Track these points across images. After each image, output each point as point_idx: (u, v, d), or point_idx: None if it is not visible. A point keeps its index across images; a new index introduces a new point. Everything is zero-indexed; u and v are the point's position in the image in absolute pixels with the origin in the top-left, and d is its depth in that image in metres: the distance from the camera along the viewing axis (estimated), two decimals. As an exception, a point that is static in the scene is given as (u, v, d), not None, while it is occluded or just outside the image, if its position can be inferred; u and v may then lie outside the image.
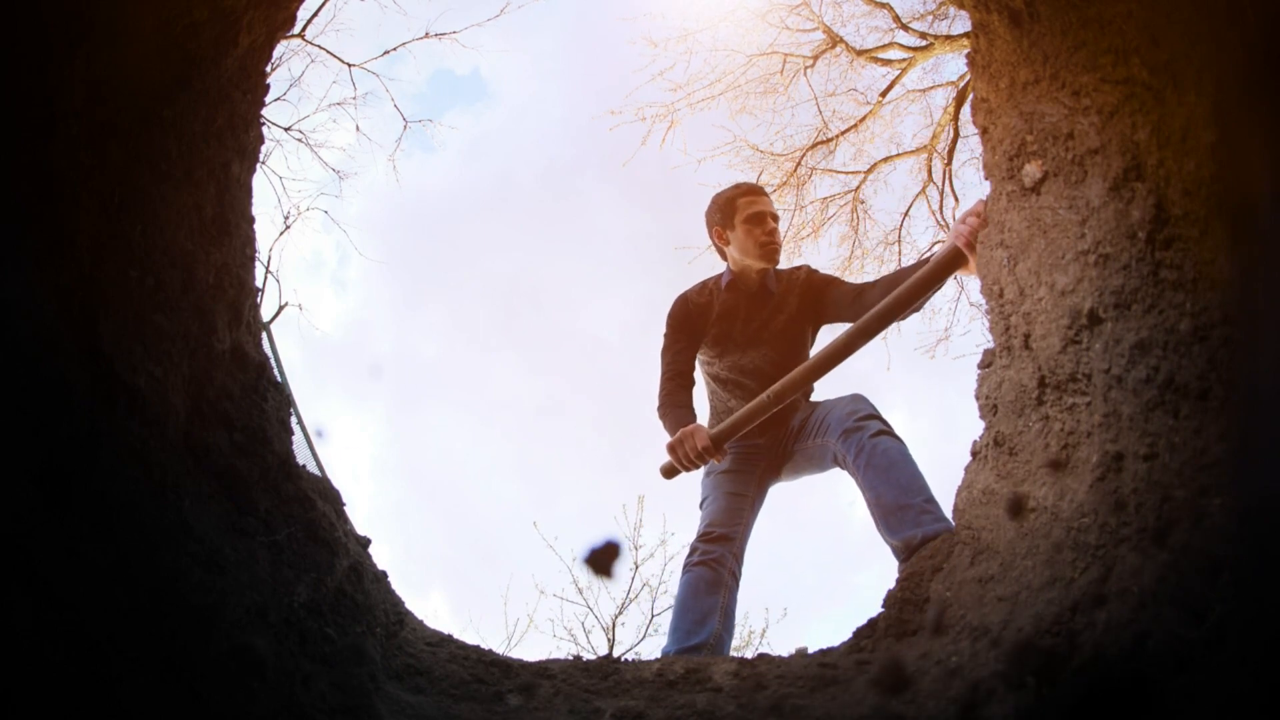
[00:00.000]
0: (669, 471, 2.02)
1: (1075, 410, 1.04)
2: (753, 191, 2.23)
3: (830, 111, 7.30)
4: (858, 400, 2.01)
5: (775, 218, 2.21)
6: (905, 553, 1.62)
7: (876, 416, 1.94)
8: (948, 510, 1.51)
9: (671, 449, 1.96)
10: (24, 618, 0.70)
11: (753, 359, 2.21)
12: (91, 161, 0.97)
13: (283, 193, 9.50)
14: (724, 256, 2.30)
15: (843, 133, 7.34)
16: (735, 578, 2.00)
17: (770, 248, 2.15)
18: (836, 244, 7.72)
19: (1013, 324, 1.20)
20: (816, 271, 2.28)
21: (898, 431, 1.90)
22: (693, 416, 2.07)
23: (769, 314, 2.21)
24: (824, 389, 2.32)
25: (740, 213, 2.17)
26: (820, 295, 2.20)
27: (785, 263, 2.29)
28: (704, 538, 2.03)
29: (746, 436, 2.06)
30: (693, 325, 2.22)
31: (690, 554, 2.03)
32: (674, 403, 2.10)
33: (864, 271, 7.72)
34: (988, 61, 1.25)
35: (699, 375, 2.33)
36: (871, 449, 1.84)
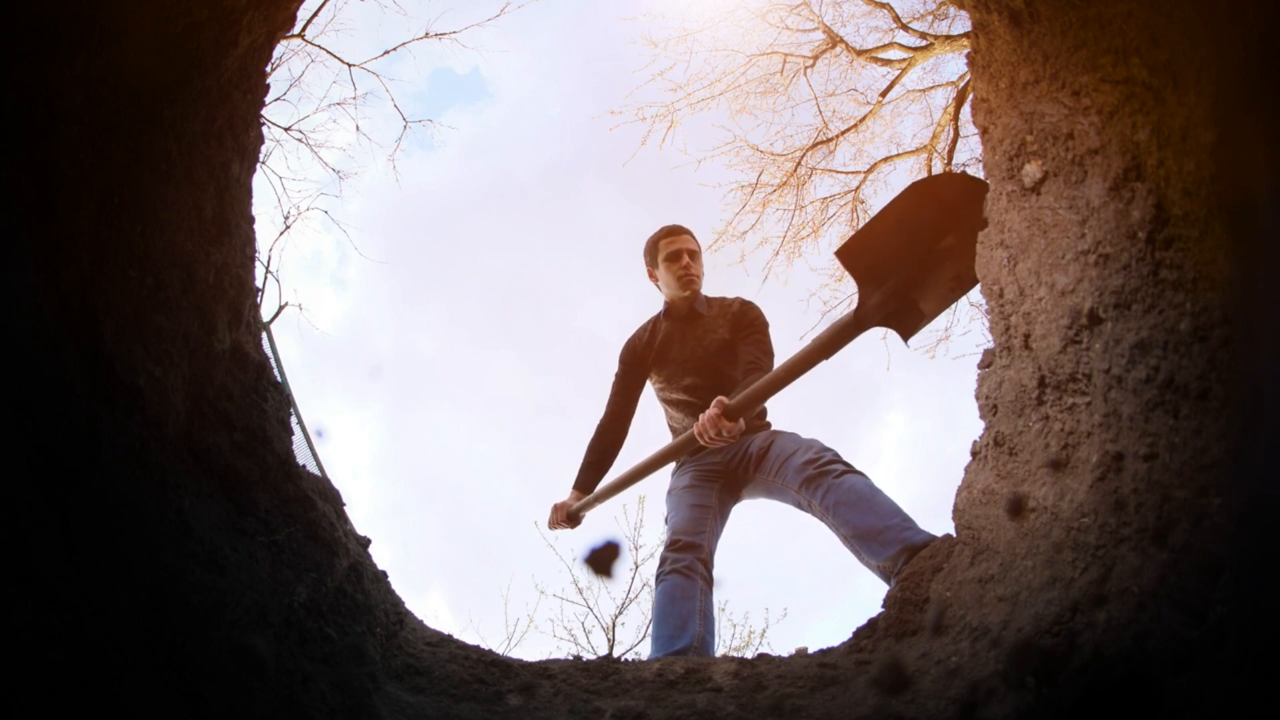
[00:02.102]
0: (549, 525, 2.48)
1: (1075, 410, 1.04)
2: (672, 233, 2.56)
3: (830, 111, 7.31)
4: (814, 448, 2.10)
5: (692, 253, 2.51)
6: (896, 564, 1.63)
7: (836, 460, 2.02)
8: (943, 516, 1.52)
9: (550, 512, 2.47)
10: (24, 618, 0.70)
11: (692, 378, 2.46)
12: (91, 161, 0.97)
13: (283, 193, 9.50)
14: (661, 291, 2.61)
15: (843, 133, 7.34)
16: (708, 582, 2.07)
17: (686, 279, 2.47)
18: (836, 244, 7.70)
19: (1013, 324, 1.20)
20: (752, 310, 2.49)
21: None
22: (588, 478, 2.46)
23: (701, 334, 2.48)
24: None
25: (661, 252, 2.52)
26: (737, 334, 2.42)
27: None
28: (671, 547, 2.13)
29: (703, 455, 2.30)
30: (638, 359, 2.56)
31: (661, 564, 2.11)
32: (586, 459, 2.50)
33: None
34: (988, 61, 1.25)
35: (658, 405, 2.65)
36: (838, 488, 1.91)
